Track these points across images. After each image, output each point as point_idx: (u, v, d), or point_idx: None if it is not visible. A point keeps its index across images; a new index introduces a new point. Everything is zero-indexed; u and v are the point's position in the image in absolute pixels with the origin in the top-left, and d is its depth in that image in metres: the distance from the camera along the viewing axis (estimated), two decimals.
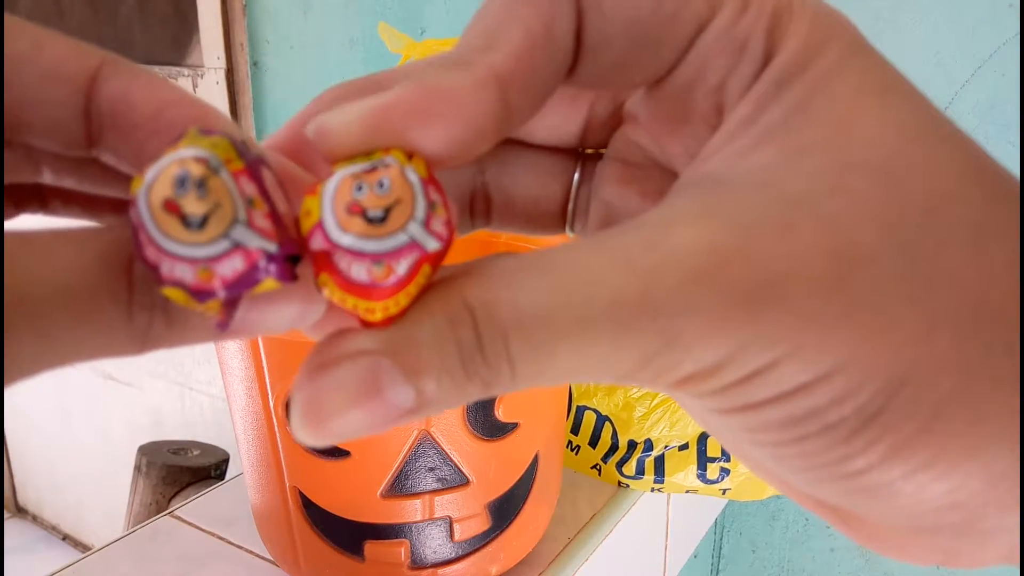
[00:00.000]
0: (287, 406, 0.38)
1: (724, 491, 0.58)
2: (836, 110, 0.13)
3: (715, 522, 0.93)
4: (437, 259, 0.13)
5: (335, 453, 0.39)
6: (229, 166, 0.12)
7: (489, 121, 0.13)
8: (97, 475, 1.71)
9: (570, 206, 0.19)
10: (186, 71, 1.18)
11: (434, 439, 0.39)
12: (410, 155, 0.13)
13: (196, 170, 0.12)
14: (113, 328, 0.12)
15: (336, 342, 0.13)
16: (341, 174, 0.12)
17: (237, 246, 0.12)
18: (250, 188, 0.12)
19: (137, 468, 0.87)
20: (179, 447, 0.91)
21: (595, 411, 0.58)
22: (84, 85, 0.14)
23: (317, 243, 0.12)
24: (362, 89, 0.14)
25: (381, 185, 0.12)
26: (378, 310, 0.12)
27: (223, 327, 0.13)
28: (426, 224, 0.12)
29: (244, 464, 0.44)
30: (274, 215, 0.12)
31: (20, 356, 0.11)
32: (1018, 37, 0.64)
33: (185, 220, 0.12)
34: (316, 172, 0.13)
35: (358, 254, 0.12)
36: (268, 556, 0.48)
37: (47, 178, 0.16)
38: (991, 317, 0.13)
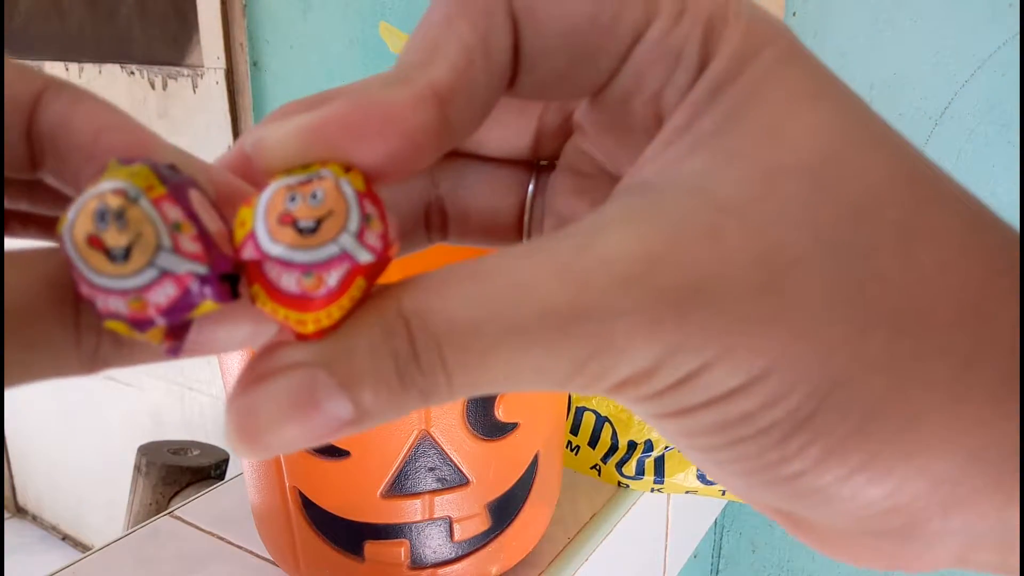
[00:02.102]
0: None
1: (724, 491, 0.58)
2: (767, 116, 0.13)
3: (715, 522, 0.93)
4: (372, 272, 0.13)
5: (335, 453, 0.39)
6: (149, 193, 0.12)
7: (428, 136, 0.13)
8: (97, 475, 1.71)
9: (526, 218, 0.19)
10: (186, 71, 1.18)
11: (434, 439, 0.39)
12: (348, 168, 0.13)
13: (114, 202, 0.12)
14: (60, 350, 0.12)
15: (270, 354, 0.13)
16: (275, 185, 0.12)
17: (165, 273, 0.12)
18: (174, 213, 0.12)
19: (137, 468, 0.87)
20: (179, 447, 0.91)
21: (594, 412, 0.58)
22: (27, 107, 0.14)
23: (248, 253, 0.12)
24: (310, 106, 0.14)
25: (314, 196, 0.12)
26: (310, 322, 0.12)
27: (173, 352, 0.13)
28: (359, 236, 0.12)
29: (244, 464, 0.44)
30: (203, 236, 0.12)
31: None
32: (1018, 37, 0.64)
33: (109, 254, 0.12)
34: (263, 188, 0.13)
35: (288, 264, 0.12)
36: (268, 556, 0.48)
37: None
38: (922, 320, 0.13)
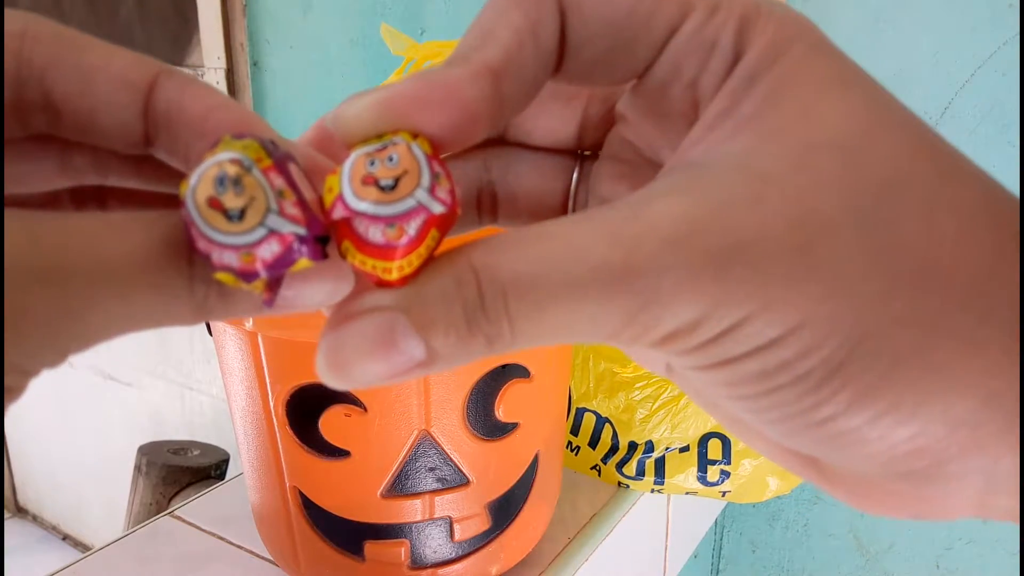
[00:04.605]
0: (287, 405, 0.39)
1: (724, 493, 0.58)
2: (802, 99, 0.15)
3: (715, 522, 0.93)
4: (443, 223, 0.14)
5: (335, 453, 0.39)
6: (259, 164, 0.14)
7: (483, 107, 0.15)
8: (97, 475, 1.71)
9: (570, 203, 0.20)
10: (186, 71, 1.18)
11: (434, 439, 0.39)
12: (415, 135, 0.15)
13: (232, 170, 0.13)
14: (178, 297, 0.14)
15: (358, 298, 0.15)
16: (356, 154, 0.14)
17: (272, 232, 0.14)
18: (279, 181, 0.14)
19: (137, 468, 0.87)
20: (179, 447, 0.91)
21: (595, 413, 0.58)
22: (144, 91, 0.16)
23: (338, 212, 0.14)
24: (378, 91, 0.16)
25: (391, 159, 0.14)
26: (394, 270, 0.14)
27: (269, 303, 0.15)
28: (431, 191, 0.14)
29: (244, 464, 0.44)
30: (302, 203, 0.14)
31: (103, 317, 0.13)
32: (1018, 37, 0.64)
33: (227, 214, 0.14)
34: (340, 160, 0.15)
35: (374, 218, 0.14)
36: (268, 556, 0.48)
37: (112, 180, 0.19)
38: (943, 280, 0.14)
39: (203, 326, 0.44)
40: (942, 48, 0.68)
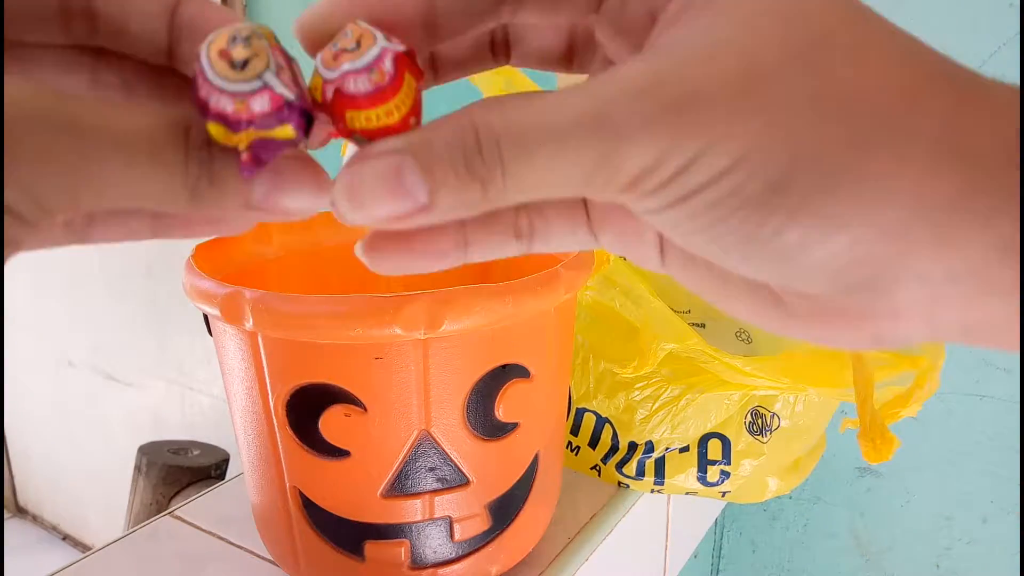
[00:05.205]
0: (287, 405, 0.39)
1: (724, 493, 0.58)
2: None
3: (715, 522, 0.93)
4: (410, 64, 0.17)
5: (335, 453, 0.39)
6: (268, 40, 0.17)
7: None
8: (97, 475, 1.71)
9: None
10: None
11: (434, 439, 0.39)
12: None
13: (244, 31, 0.17)
14: (173, 173, 0.17)
15: (374, 144, 0.17)
16: (321, 53, 0.18)
17: (267, 87, 0.16)
18: (280, 58, 0.17)
19: (137, 468, 0.87)
20: (179, 447, 0.91)
21: (595, 413, 0.58)
22: (172, 6, 0.20)
23: (329, 77, 0.17)
24: None
25: (347, 35, 0.17)
26: (394, 110, 0.17)
27: (249, 171, 0.17)
28: (387, 40, 0.17)
29: (244, 464, 0.44)
30: (297, 81, 0.17)
31: (110, 177, 0.16)
32: (1018, 37, 0.64)
33: (232, 62, 0.16)
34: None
35: (356, 72, 0.17)
36: (268, 556, 0.48)
37: (137, 99, 0.22)
38: (871, 107, 0.16)
39: (203, 325, 0.44)
40: (942, 48, 0.67)
